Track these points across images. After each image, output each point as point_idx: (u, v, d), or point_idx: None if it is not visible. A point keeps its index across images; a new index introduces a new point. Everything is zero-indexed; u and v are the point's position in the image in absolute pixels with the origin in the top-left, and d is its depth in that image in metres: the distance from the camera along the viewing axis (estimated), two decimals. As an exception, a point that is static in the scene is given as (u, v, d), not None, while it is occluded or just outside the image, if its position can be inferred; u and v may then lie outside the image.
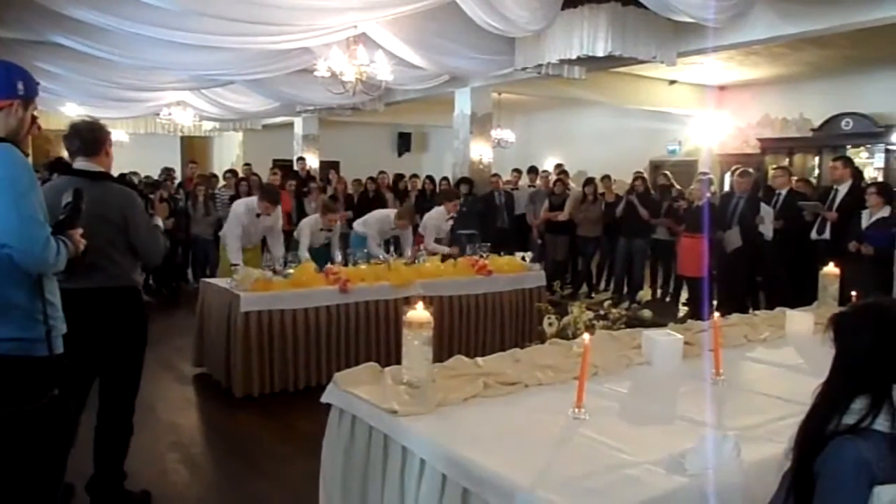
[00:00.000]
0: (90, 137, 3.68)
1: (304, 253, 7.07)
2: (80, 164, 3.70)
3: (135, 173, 11.92)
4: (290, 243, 7.77)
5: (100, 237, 3.46)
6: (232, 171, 12.00)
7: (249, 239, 7.42)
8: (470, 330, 6.77)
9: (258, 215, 7.26)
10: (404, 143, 20.28)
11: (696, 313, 7.46)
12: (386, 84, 8.15)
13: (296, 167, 13.00)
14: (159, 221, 3.98)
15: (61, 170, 3.88)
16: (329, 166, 15.17)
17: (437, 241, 8.15)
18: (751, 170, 8.27)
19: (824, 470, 1.92)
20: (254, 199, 7.41)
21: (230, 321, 5.80)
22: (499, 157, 13.12)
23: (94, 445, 3.83)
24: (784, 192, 8.21)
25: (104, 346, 3.69)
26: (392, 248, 7.13)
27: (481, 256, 7.08)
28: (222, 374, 5.96)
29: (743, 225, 7.57)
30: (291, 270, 6.12)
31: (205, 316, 6.29)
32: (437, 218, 8.15)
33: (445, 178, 11.90)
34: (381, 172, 12.72)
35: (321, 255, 7.20)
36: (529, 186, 11.67)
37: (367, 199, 11.57)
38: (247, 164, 13.17)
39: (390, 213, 7.94)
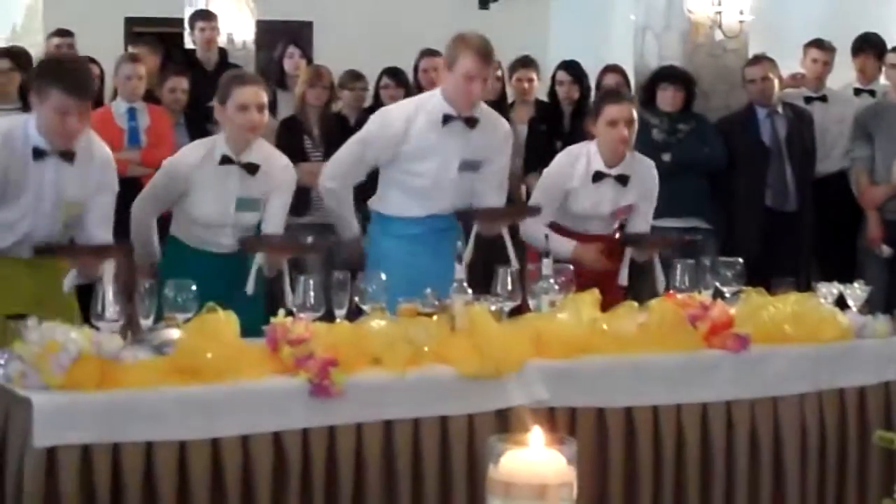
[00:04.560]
0: None
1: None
2: None
3: None
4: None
5: None
6: (12, 52, 8.31)
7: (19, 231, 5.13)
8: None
9: (39, 154, 4.95)
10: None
11: None
12: None
13: (189, 40, 9.71)
14: None
15: None
16: (281, 37, 10.60)
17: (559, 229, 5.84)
18: None
19: None
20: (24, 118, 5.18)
21: (6, 473, 4.30)
22: (771, 12, 9.67)
23: None
24: None
25: None
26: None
27: (719, 294, 5.10)
28: None
29: None
30: (175, 332, 4.28)
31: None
32: (564, 167, 5.95)
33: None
34: (431, 53, 8.74)
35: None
36: (860, 91, 8.29)
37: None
38: (59, 33, 9.38)
39: None
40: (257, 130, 5.24)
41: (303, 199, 7.18)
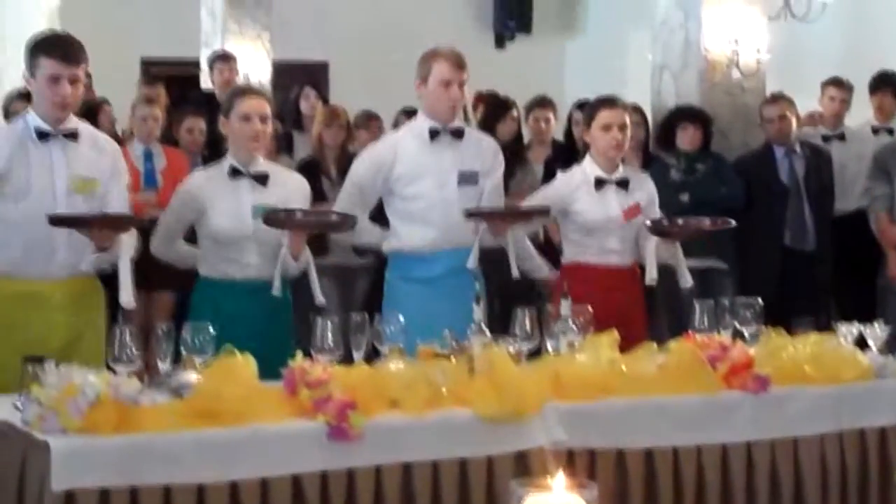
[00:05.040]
0: None
1: None
2: None
3: None
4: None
5: None
6: (28, 95, 9.02)
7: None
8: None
9: (44, 136, 5.10)
10: (515, 14, 14.64)
11: None
12: None
13: (207, 80, 9.80)
14: None
15: None
16: (297, 77, 10.75)
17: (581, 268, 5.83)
18: None
19: None
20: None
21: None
22: (788, 51, 9.89)
23: None
24: None
25: None
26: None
27: (738, 334, 5.05)
28: None
29: None
30: (192, 376, 4.21)
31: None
32: (562, 184, 6.00)
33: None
34: None
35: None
36: (878, 129, 8.31)
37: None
38: None
39: None
40: (260, 140, 5.23)
41: (322, 241, 7.09)
